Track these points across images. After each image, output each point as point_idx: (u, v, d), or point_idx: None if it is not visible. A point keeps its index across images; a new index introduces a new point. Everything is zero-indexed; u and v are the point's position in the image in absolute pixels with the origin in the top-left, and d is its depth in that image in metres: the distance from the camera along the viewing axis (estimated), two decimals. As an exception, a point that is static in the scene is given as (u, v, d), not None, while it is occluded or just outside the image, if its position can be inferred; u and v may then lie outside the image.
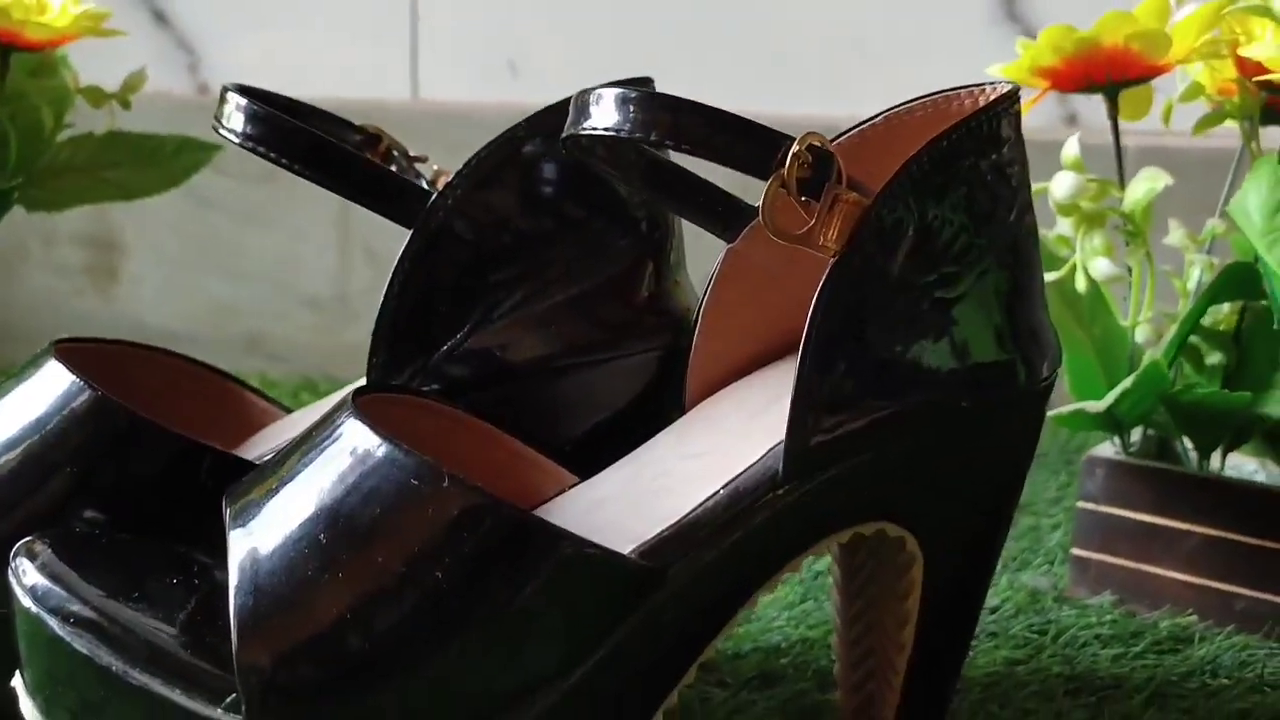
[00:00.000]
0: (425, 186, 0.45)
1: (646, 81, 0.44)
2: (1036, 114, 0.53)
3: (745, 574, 0.37)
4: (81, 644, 0.34)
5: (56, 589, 0.35)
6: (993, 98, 0.38)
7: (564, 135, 0.38)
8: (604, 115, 0.36)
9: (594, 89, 0.36)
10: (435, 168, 0.49)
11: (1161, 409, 0.53)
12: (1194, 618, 0.52)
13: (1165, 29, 0.51)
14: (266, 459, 0.40)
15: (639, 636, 0.35)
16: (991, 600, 0.54)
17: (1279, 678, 0.48)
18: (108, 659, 0.34)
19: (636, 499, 0.38)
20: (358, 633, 0.33)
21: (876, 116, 0.41)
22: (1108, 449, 0.56)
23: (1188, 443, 0.55)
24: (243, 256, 0.95)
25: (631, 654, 0.35)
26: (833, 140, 0.37)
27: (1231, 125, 0.54)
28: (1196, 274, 0.54)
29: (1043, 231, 0.47)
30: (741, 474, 0.37)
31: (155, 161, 0.65)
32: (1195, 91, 0.54)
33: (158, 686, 0.33)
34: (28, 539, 0.37)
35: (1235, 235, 0.53)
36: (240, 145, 0.43)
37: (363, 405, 0.37)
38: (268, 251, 0.94)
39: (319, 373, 0.91)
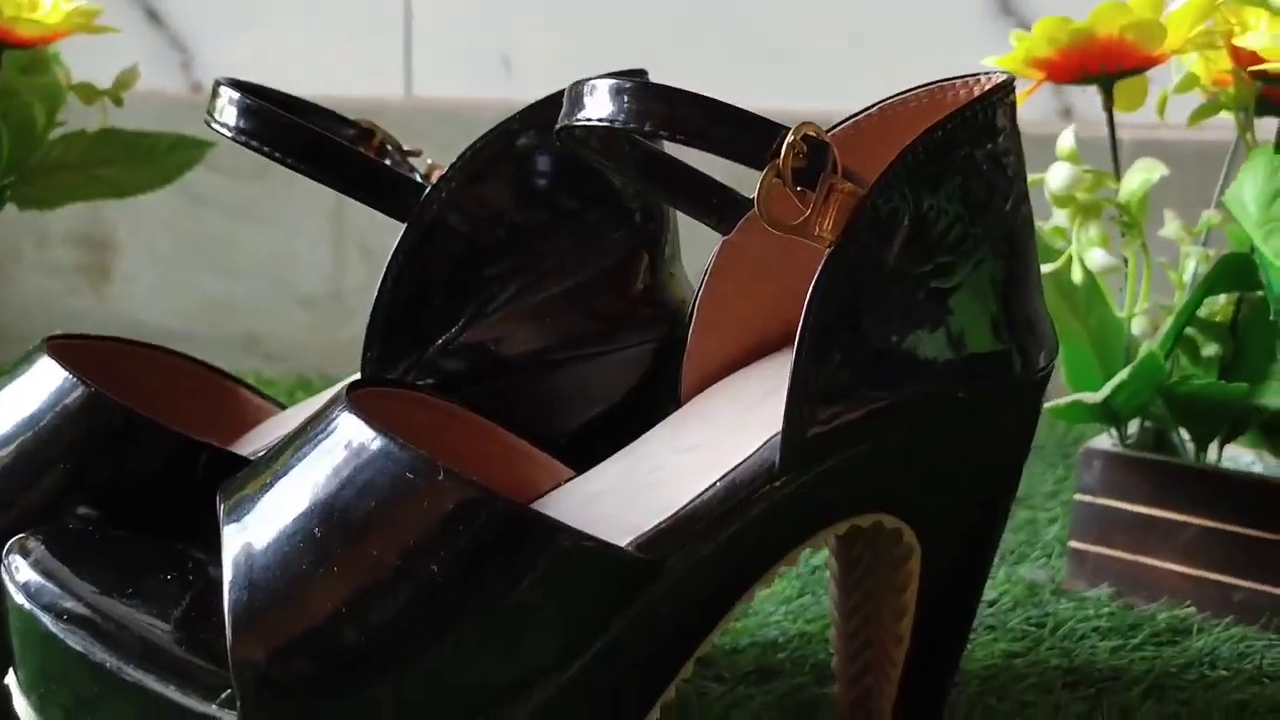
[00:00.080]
0: (419, 180, 0.45)
1: (641, 74, 0.44)
2: (1032, 108, 0.53)
3: (742, 566, 0.37)
4: (75, 641, 0.34)
5: (50, 586, 0.35)
6: (988, 88, 0.38)
7: (558, 126, 0.37)
8: (598, 106, 0.36)
9: (588, 80, 0.36)
10: (429, 162, 0.49)
11: (1158, 401, 0.53)
12: (1192, 609, 0.52)
13: (1160, 19, 0.51)
14: (261, 454, 0.40)
15: (636, 629, 0.34)
16: (989, 593, 0.54)
17: (1277, 669, 0.48)
18: (101, 656, 0.34)
19: (633, 492, 0.38)
20: (353, 627, 0.32)
21: (871, 107, 0.41)
22: (1105, 441, 0.56)
23: (1185, 434, 0.55)
24: (236, 254, 0.95)
25: (628, 647, 0.34)
26: (827, 131, 0.37)
27: (1226, 117, 0.54)
28: (1192, 266, 0.54)
29: (1038, 223, 0.47)
30: (738, 466, 0.37)
31: (148, 159, 0.64)
32: (1190, 83, 0.54)
33: (152, 683, 0.33)
34: (20, 535, 0.37)
35: (1231, 226, 0.53)
36: (233, 139, 0.43)
37: (357, 399, 0.37)
38: (262, 249, 0.94)
39: (314, 371, 0.91)
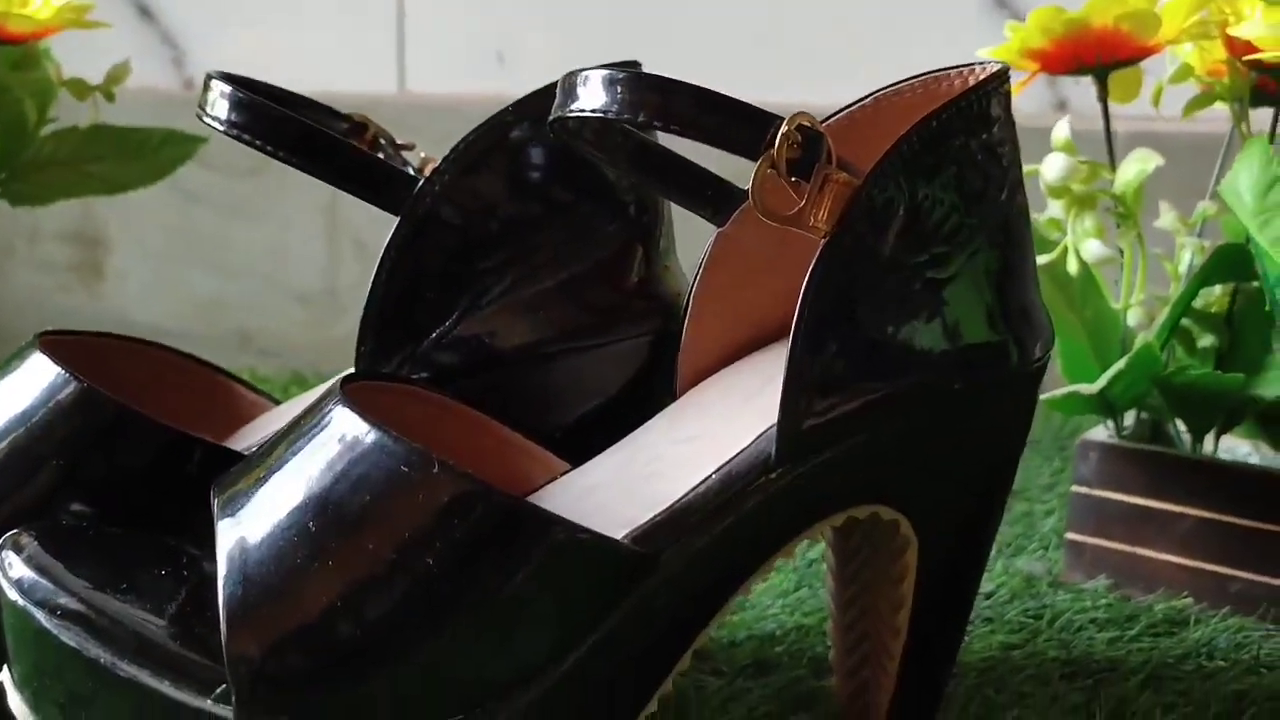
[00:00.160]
0: (413, 174, 0.45)
1: (634, 65, 0.44)
2: (1027, 101, 0.53)
3: (738, 559, 0.37)
4: (69, 636, 0.34)
5: (43, 581, 0.35)
6: (982, 77, 0.38)
7: (551, 118, 0.37)
8: (591, 96, 0.36)
9: (581, 70, 0.36)
10: (422, 155, 0.49)
11: (1155, 392, 0.53)
12: (1189, 600, 0.52)
13: (1155, 9, 0.51)
14: (255, 449, 0.39)
15: (632, 622, 0.34)
16: (986, 586, 0.54)
17: (1275, 659, 0.48)
18: (96, 651, 0.33)
19: (628, 485, 0.38)
20: (348, 621, 0.32)
21: (865, 98, 0.40)
22: (1101, 433, 0.56)
23: (1181, 425, 0.55)
24: (230, 251, 0.94)
25: (624, 640, 0.34)
26: (822, 122, 0.37)
27: (1221, 108, 0.54)
28: (1188, 257, 0.54)
29: (1033, 215, 0.47)
30: (734, 458, 0.36)
31: (140, 154, 0.64)
32: (1185, 73, 0.54)
33: (146, 678, 0.33)
34: (13, 532, 0.37)
35: (1226, 218, 0.53)
36: (225, 133, 0.43)
37: (351, 393, 0.37)
38: (255, 245, 0.94)
39: (309, 368, 0.91)
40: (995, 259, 0.37)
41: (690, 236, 0.47)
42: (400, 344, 0.42)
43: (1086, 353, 0.56)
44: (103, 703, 0.33)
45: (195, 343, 0.54)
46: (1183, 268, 0.54)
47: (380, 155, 0.48)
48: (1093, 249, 0.50)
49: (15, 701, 0.35)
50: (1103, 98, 0.54)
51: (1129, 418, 0.56)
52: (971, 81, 0.39)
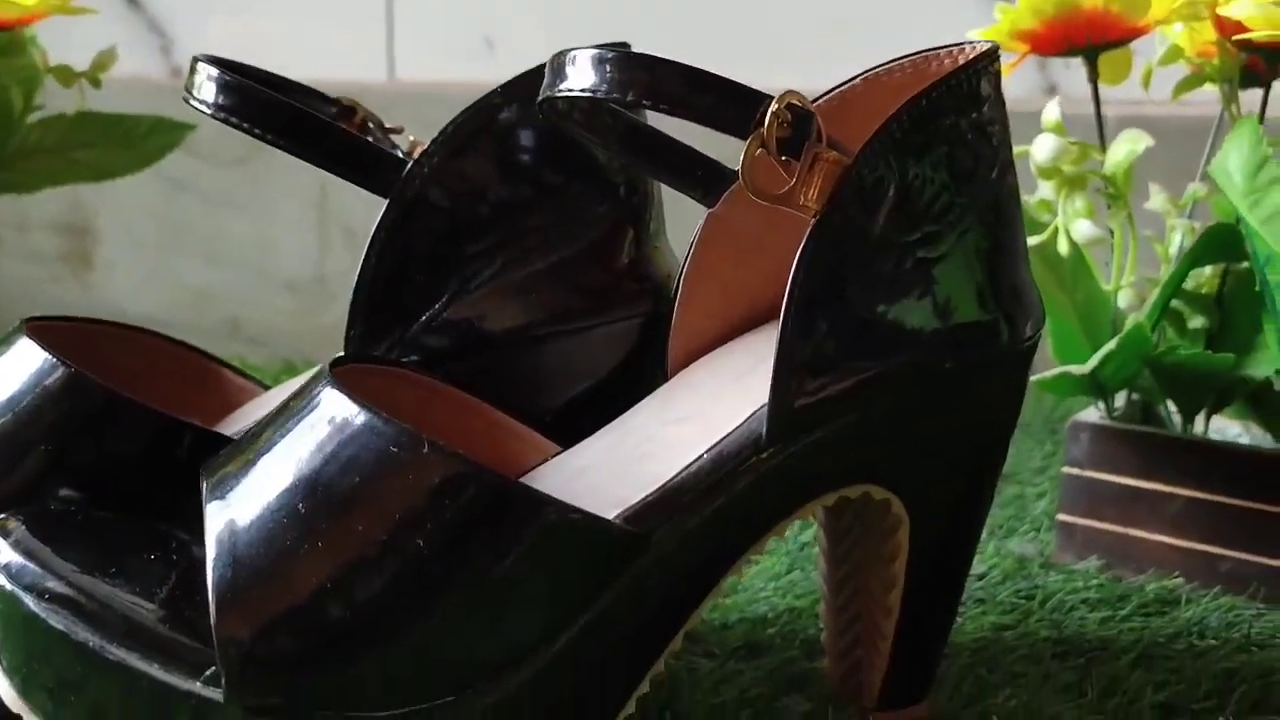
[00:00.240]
0: (401, 156, 0.45)
1: (624, 46, 0.43)
2: (1018, 85, 0.53)
3: (730, 538, 0.37)
4: (57, 620, 0.34)
5: (31, 566, 0.35)
6: (972, 56, 0.38)
7: (540, 98, 0.37)
8: (580, 76, 0.35)
9: (570, 50, 0.36)
10: (411, 139, 0.49)
11: (1145, 373, 0.53)
12: (1180, 580, 0.52)
13: (1144, -10, 0.51)
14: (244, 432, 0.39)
15: (624, 602, 0.34)
16: (978, 567, 0.54)
17: (1265, 637, 0.48)
18: (84, 634, 0.33)
19: (620, 465, 0.38)
20: (338, 602, 0.32)
21: (855, 78, 0.40)
22: (1092, 414, 0.56)
23: (1171, 406, 0.55)
24: (219, 240, 0.94)
25: (616, 620, 0.34)
26: (812, 102, 0.36)
27: (1211, 90, 0.54)
28: (1178, 239, 0.54)
29: (1024, 197, 0.47)
30: (725, 438, 0.36)
31: (127, 142, 0.64)
32: (1175, 54, 0.54)
33: (135, 661, 0.33)
34: (1, 516, 0.37)
35: (1216, 199, 0.53)
36: (212, 116, 0.42)
37: (340, 375, 0.37)
38: (244, 234, 0.94)
39: (298, 356, 0.91)
40: (986, 238, 0.37)
41: (681, 218, 0.47)
42: (389, 327, 0.42)
43: (1077, 334, 0.56)
44: (92, 687, 0.33)
45: (185, 332, 0.54)
46: (1173, 249, 0.54)
47: (369, 139, 0.48)
48: (1083, 229, 0.50)
49: (4, 688, 0.35)
50: (1093, 79, 0.54)
51: (1120, 399, 0.56)
52: (961, 61, 0.39)
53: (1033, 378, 0.48)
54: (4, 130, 0.62)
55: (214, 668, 0.32)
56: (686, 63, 0.35)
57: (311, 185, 0.91)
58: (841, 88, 0.40)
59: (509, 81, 0.42)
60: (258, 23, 0.93)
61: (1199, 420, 0.55)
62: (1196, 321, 0.54)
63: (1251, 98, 0.54)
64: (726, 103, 0.34)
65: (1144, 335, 0.51)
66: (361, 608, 0.32)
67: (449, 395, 0.40)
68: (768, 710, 0.42)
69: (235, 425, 0.47)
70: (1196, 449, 0.53)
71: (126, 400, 0.41)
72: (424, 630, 0.32)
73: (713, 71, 0.34)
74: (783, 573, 0.53)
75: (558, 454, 0.41)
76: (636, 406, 0.40)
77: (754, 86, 0.34)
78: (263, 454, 0.35)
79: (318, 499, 0.33)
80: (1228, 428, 0.57)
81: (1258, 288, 0.48)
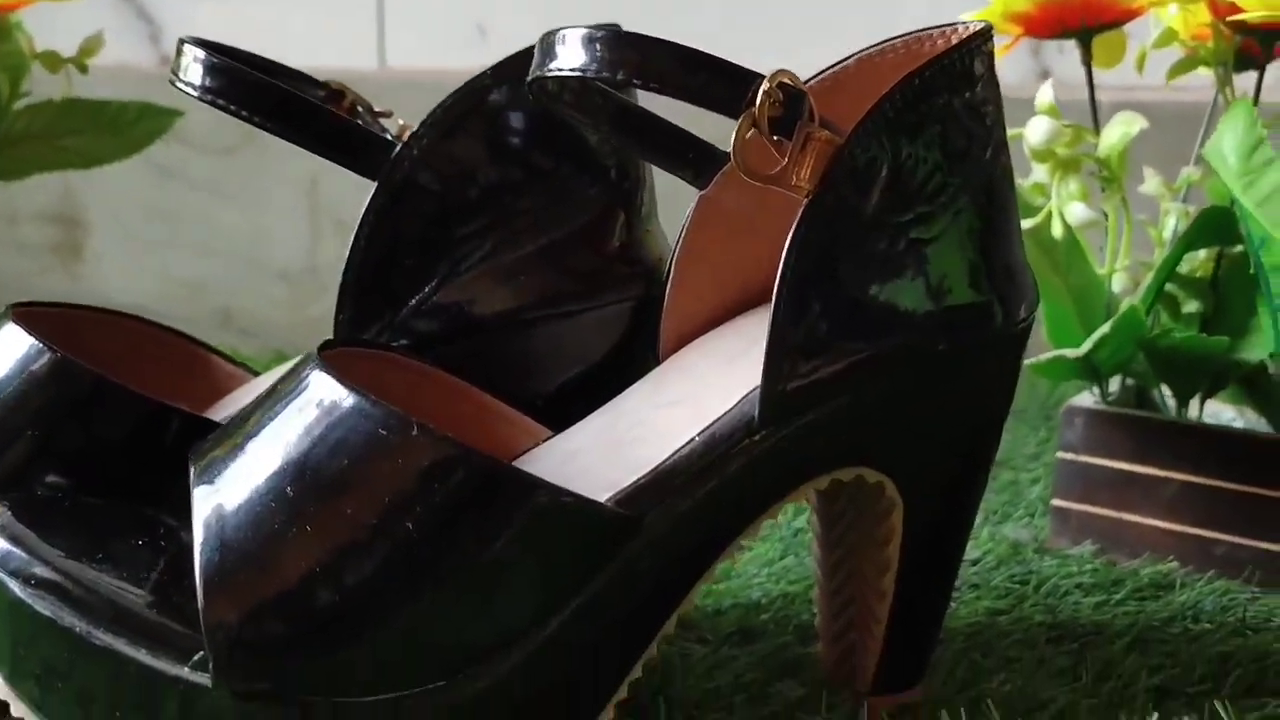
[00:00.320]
0: (390, 139, 0.44)
1: (614, 28, 0.43)
2: (1011, 71, 0.52)
3: (722, 521, 0.36)
4: (44, 606, 0.33)
5: (17, 551, 0.35)
6: (965, 36, 0.38)
7: (530, 78, 0.37)
8: (570, 56, 0.35)
9: (560, 29, 0.36)
10: (400, 123, 0.48)
11: (1140, 357, 0.53)
12: (1174, 564, 0.52)
13: (1138, -29, 0.50)
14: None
15: (616, 586, 0.34)
16: (973, 553, 0.54)
17: (1260, 621, 0.48)
18: (71, 620, 0.33)
19: (612, 448, 0.38)
20: (327, 587, 0.32)
21: (848, 58, 0.40)
22: (1086, 398, 0.56)
23: (1166, 390, 0.55)
24: (210, 230, 0.94)
25: (608, 603, 0.34)
26: (805, 82, 0.36)
27: (1205, 74, 0.54)
28: (1172, 223, 0.54)
29: (1018, 180, 0.46)
30: (717, 421, 0.36)
31: (115, 128, 0.63)
32: (1169, 37, 0.53)
33: (123, 646, 0.33)
34: (-14, 502, 0.36)
35: (1211, 182, 0.53)
36: (199, 99, 0.42)
37: (328, 359, 0.36)
38: (235, 224, 0.93)
39: (290, 346, 0.90)
40: (979, 218, 0.37)
41: (672, 200, 0.46)
42: (379, 311, 0.42)
43: (1071, 317, 0.56)
44: (80, 673, 0.33)
45: (176, 322, 0.54)
46: (1167, 233, 0.54)
47: (358, 122, 0.48)
48: (1077, 212, 0.50)
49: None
50: (1086, 61, 0.54)
51: (1114, 383, 0.56)
52: (954, 40, 0.39)
53: (1027, 361, 0.48)
54: (-9, 117, 0.61)
55: (202, 653, 0.32)
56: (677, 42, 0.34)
57: (303, 175, 0.90)
58: (834, 68, 0.40)
59: (499, 63, 0.42)
60: (247, 9, 0.93)
61: (1193, 404, 0.55)
62: (1191, 305, 0.54)
63: (1246, 81, 0.53)
64: (718, 81, 0.34)
65: (1138, 319, 0.51)
66: (351, 592, 0.32)
67: (438, 379, 0.40)
68: (761, 695, 0.42)
69: (224, 411, 0.47)
70: (1191, 433, 0.53)
71: (114, 385, 0.41)
72: (413, 614, 0.32)
73: (704, 51, 0.34)
74: (776, 558, 0.53)
75: (548, 438, 0.40)
76: (628, 390, 0.40)
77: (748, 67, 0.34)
78: (251, 438, 0.35)
79: (306, 482, 0.33)
80: (1222, 412, 0.57)
81: (1252, 271, 0.48)
